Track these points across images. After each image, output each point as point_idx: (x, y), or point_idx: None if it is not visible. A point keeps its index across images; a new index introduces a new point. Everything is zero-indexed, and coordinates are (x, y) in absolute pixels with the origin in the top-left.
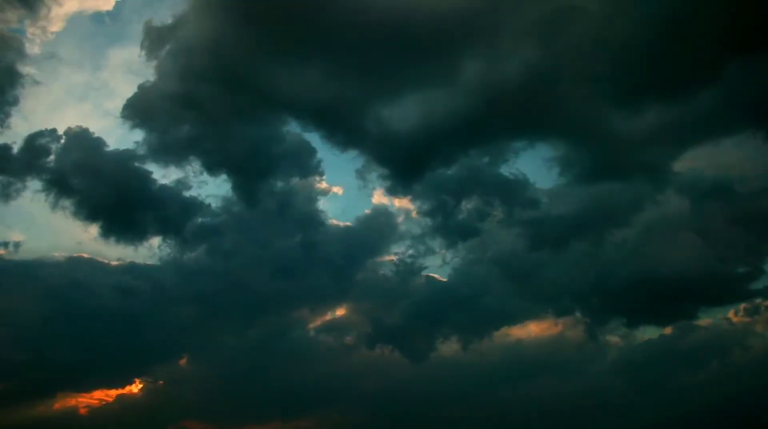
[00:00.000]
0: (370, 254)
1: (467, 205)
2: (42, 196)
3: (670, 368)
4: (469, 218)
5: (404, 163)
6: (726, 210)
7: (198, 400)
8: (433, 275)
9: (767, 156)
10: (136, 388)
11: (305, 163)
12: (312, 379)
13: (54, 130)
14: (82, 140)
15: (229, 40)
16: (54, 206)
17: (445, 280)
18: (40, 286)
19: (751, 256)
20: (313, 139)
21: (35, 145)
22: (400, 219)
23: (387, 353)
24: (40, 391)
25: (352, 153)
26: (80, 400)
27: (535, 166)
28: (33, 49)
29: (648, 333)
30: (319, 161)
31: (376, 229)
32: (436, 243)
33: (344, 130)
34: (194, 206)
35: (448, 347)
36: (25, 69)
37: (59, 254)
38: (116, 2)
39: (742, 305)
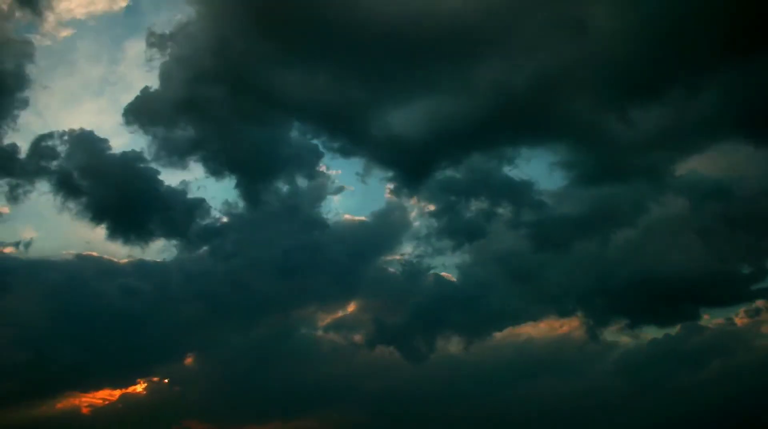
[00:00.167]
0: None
1: (474, 206)
2: (50, 197)
3: (672, 368)
4: (476, 219)
5: (412, 165)
6: (727, 211)
7: (200, 400)
8: (446, 274)
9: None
10: (140, 387)
11: (311, 164)
12: (312, 379)
13: (63, 133)
14: (86, 142)
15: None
16: (61, 209)
17: (453, 280)
18: (48, 286)
19: (753, 258)
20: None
21: (41, 148)
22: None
23: (387, 354)
24: (44, 390)
25: (359, 155)
26: (83, 399)
27: (540, 169)
28: (45, 41)
29: (650, 333)
30: (321, 157)
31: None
32: (443, 244)
33: (350, 133)
34: (200, 207)
35: (454, 346)
36: (37, 67)
37: (67, 253)
38: None
39: (743, 307)
